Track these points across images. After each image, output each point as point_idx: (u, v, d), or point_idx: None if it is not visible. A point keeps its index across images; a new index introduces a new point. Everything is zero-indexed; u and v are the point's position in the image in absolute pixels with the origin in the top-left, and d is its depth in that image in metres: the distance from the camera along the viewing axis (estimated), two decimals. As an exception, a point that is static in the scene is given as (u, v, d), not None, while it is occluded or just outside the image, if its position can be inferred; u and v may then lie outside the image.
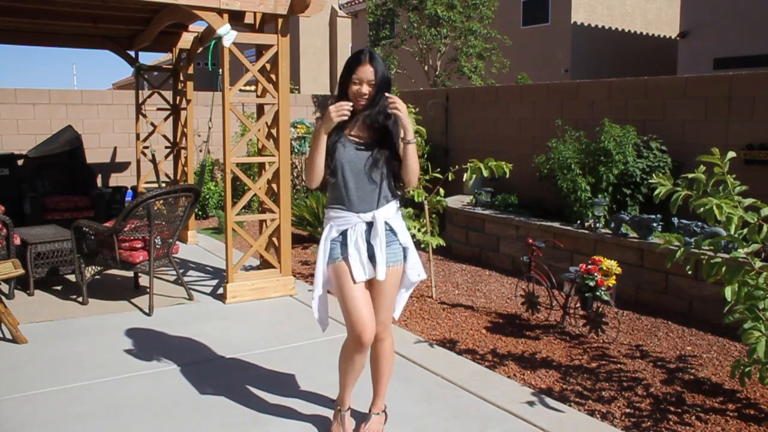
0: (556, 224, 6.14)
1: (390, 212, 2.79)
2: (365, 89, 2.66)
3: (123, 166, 9.65)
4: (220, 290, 5.46)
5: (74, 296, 5.34)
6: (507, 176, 5.04)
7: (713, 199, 2.95)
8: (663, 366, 4.02)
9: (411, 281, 2.91)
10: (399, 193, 2.84)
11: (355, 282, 2.74)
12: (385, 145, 2.75)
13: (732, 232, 2.95)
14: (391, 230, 2.80)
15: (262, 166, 5.74)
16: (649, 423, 3.25)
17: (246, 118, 6.40)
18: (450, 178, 5.63)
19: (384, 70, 2.69)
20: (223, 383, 3.60)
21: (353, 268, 2.73)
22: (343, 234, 2.78)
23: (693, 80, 6.27)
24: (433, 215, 5.92)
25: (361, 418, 3.08)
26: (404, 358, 3.95)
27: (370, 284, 2.83)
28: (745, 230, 2.99)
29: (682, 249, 3.17)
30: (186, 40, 7.41)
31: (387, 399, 3.09)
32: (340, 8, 24.78)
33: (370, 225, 2.76)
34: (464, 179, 5.16)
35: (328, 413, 3.22)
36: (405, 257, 2.85)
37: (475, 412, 3.27)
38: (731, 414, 3.37)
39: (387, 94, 2.67)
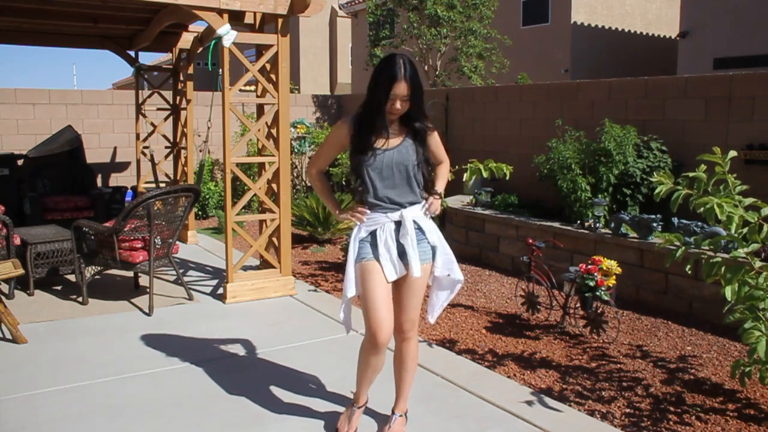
0: (556, 224, 6.14)
1: (417, 212, 2.82)
2: (398, 105, 2.68)
3: (123, 166, 9.66)
4: (220, 290, 5.46)
5: (74, 296, 5.34)
6: (507, 177, 5.04)
7: (714, 198, 2.95)
8: (663, 366, 4.02)
9: (452, 280, 2.90)
10: (426, 195, 2.88)
11: (387, 281, 2.77)
12: (412, 150, 2.78)
13: (733, 231, 2.95)
14: (419, 229, 2.82)
15: (262, 166, 5.74)
16: (648, 423, 3.25)
17: (246, 118, 6.40)
18: (450, 178, 5.62)
19: (417, 80, 2.68)
20: (223, 383, 3.60)
21: (385, 268, 2.76)
22: (372, 234, 2.81)
23: (693, 80, 6.27)
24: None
25: (382, 420, 3.09)
26: (404, 358, 3.95)
27: (399, 284, 2.84)
28: (745, 230, 2.98)
29: (681, 249, 3.17)
30: (186, 40, 7.41)
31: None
32: (340, 8, 24.78)
33: (398, 225, 2.79)
34: (464, 179, 5.15)
35: (329, 412, 3.22)
36: (434, 256, 2.86)
37: (475, 412, 3.27)
38: (731, 414, 3.37)
39: (426, 207, 2.85)
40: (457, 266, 2.90)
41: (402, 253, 2.79)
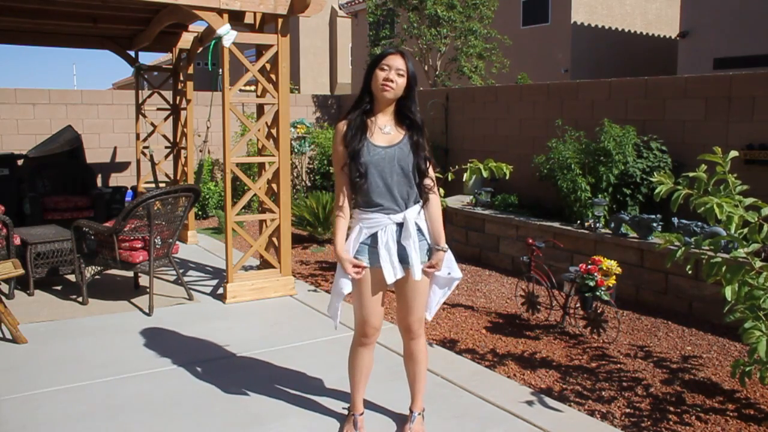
0: (556, 224, 6.14)
1: (416, 213, 2.80)
2: (392, 75, 2.67)
3: (123, 166, 9.66)
4: (220, 290, 5.46)
5: (74, 296, 5.34)
6: (507, 177, 5.04)
7: (714, 198, 2.95)
8: (663, 366, 4.01)
9: (451, 278, 2.91)
10: (423, 195, 2.82)
11: (386, 284, 2.77)
12: (409, 148, 2.75)
13: (732, 231, 2.95)
14: (419, 230, 2.80)
15: (262, 166, 5.74)
16: (648, 423, 3.25)
17: (246, 118, 6.39)
18: (450, 178, 5.63)
19: (413, 71, 2.73)
20: (223, 383, 3.60)
21: (384, 270, 2.74)
22: (373, 236, 2.77)
23: (693, 80, 6.27)
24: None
25: (401, 419, 3.10)
26: (404, 358, 3.94)
27: (402, 286, 2.84)
28: (746, 230, 2.98)
29: (682, 249, 3.17)
30: (186, 40, 7.42)
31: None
32: (340, 8, 24.78)
33: (399, 226, 2.77)
34: (464, 179, 5.15)
35: (329, 412, 3.22)
36: (431, 255, 2.85)
37: (475, 412, 3.27)
38: (731, 414, 3.37)
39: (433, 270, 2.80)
40: (455, 264, 2.92)
41: (400, 255, 2.77)
